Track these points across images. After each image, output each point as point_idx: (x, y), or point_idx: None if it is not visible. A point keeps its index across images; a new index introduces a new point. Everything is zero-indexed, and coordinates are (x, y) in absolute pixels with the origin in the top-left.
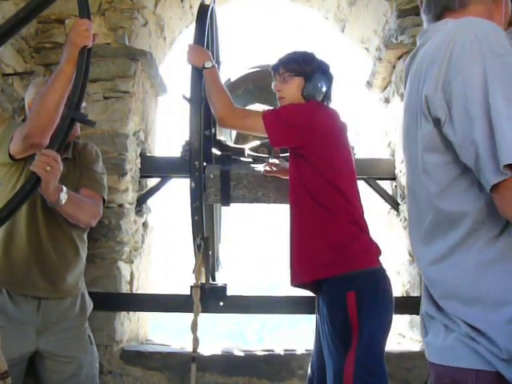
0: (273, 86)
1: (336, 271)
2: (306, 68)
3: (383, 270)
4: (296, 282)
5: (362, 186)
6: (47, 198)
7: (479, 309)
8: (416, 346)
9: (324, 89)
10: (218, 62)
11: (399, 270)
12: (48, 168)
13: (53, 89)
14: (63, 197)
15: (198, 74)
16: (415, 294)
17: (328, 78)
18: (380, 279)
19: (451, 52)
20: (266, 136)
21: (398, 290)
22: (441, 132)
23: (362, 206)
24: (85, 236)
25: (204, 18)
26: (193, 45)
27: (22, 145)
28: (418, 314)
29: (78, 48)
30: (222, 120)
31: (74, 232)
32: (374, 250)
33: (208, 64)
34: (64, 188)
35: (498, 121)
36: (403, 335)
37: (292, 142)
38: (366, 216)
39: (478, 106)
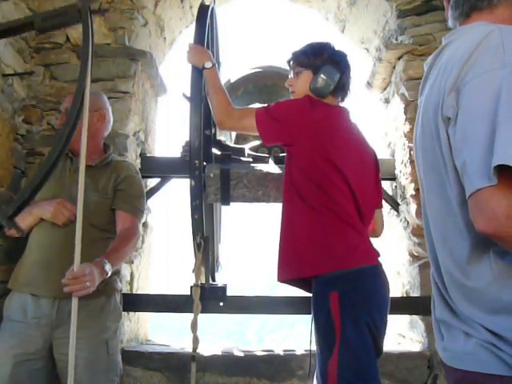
0: (286, 83)
1: (320, 270)
2: (315, 61)
3: (373, 269)
4: (282, 278)
5: None
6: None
7: (503, 317)
8: (416, 346)
9: (329, 82)
10: (217, 63)
11: (399, 271)
12: (88, 283)
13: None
14: (108, 269)
15: (198, 73)
16: (415, 294)
17: (340, 69)
18: (366, 278)
19: (476, 56)
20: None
21: (398, 290)
22: (447, 134)
23: (356, 206)
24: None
25: (204, 18)
26: (193, 44)
27: None
28: (418, 314)
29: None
30: (221, 123)
31: (98, 235)
32: (362, 249)
33: (208, 64)
34: (103, 261)
35: (503, 128)
36: (403, 335)
37: (280, 138)
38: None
39: (485, 111)
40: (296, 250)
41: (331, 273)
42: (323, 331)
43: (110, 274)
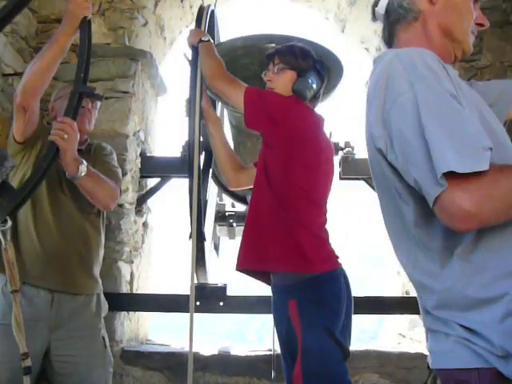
0: (263, 75)
1: (283, 269)
2: (302, 63)
3: (331, 273)
4: (242, 267)
5: (361, 185)
6: (66, 168)
7: (473, 312)
8: (416, 346)
9: (314, 88)
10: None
11: (399, 271)
12: (65, 136)
13: (43, 56)
14: (83, 169)
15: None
16: (415, 294)
17: (321, 78)
18: (323, 284)
19: (386, 85)
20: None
21: (398, 290)
22: (387, 161)
23: (320, 212)
24: (100, 236)
25: (202, 20)
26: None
27: (16, 114)
28: (418, 313)
29: (79, 19)
30: (212, 77)
31: (88, 226)
32: (324, 253)
33: (204, 38)
34: (84, 161)
35: (431, 138)
36: (403, 335)
37: (262, 128)
38: (326, 222)
39: (413, 129)
40: (263, 242)
41: (290, 277)
42: (285, 340)
43: (82, 174)
